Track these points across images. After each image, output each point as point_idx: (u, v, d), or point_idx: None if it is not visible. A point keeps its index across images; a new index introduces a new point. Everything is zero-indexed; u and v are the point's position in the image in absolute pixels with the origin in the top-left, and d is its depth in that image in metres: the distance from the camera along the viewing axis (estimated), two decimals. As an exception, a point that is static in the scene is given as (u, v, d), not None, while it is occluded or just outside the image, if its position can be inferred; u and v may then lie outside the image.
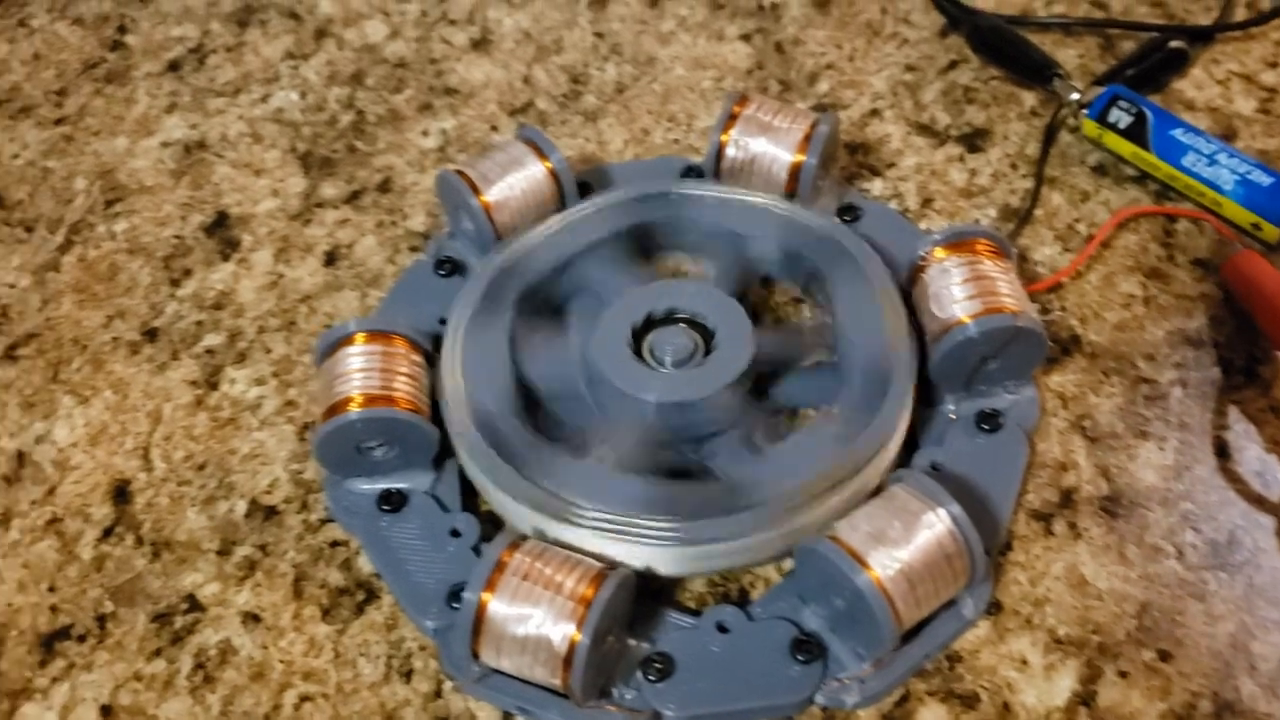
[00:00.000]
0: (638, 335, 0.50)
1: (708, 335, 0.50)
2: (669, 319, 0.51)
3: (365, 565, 0.48)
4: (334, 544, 0.49)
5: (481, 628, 0.41)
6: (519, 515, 0.46)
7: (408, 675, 0.45)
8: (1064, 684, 0.44)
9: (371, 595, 0.47)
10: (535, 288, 0.52)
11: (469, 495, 0.49)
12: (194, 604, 0.48)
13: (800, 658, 0.43)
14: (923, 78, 0.66)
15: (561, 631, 0.40)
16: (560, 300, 0.54)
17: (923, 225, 0.58)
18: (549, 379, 0.50)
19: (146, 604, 0.48)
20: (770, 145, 0.55)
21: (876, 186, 0.61)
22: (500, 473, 0.46)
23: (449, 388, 0.48)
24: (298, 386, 0.54)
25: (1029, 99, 0.64)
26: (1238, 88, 0.64)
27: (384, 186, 0.62)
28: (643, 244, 0.55)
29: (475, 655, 0.42)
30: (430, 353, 0.50)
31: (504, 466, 0.46)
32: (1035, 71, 0.63)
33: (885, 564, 0.41)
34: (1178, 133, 0.58)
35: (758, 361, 0.49)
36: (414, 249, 0.59)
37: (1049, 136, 0.61)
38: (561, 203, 0.55)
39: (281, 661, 0.46)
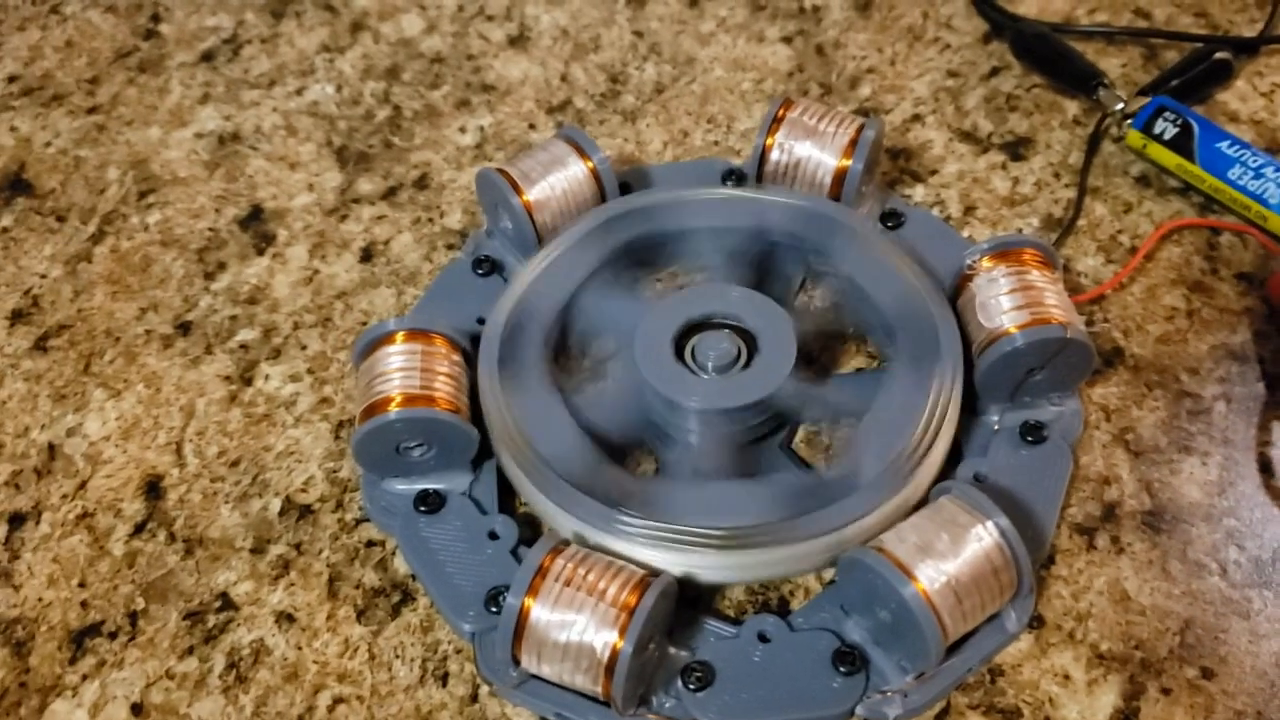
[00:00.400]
0: (679, 346, 0.49)
1: (749, 338, 0.49)
2: (709, 324, 0.50)
3: (401, 566, 0.48)
4: (370, 544, 0.48)
5: (523, 633, 0.41)
6: (560, 520, 0.45)
7: (444, 679, 0.45)
8: (1107, 700, 0.44)
9: (407, 597, 0.47)
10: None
11: (506, 497, 0.48)
12: (227, 602, 0.47)
13: (843, 669, 0.43)
14: (965, 84, 0.65)
15: (604, 639, 0.40)
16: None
17: (965, 233, 0.58)
18: (602, 415, 0.49)
19: (179, 601, 0.47)
20: (815, 149, 0.54)
21: (919, 193, 0.60)
22: (543, 477, 0.45)
23: (489, 390, 0.48)
24: (333, 384, 0.53)
25: (1072, 108, 0.63)
26: (1282, 100, 0.63)
27: (421, 183, 0.61)
28: (643, 258, 0.54)
29: (516, 660, 0.41)
30: (469, 352, 0.49)
31: (546, 471, 0.45)
32: (1079, 80, 0.63)
33: (932, 576, 0.41)
34: (1224, 145, 0.57)
35: (803, 345, 0.49)
36: (450, 247, 0.58)
37: (1092, 146, 0.61)
38: (603, 202, 0.54)
39: (315, 662, 0.45)
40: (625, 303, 0.51)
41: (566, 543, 0.43)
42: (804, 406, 0.49)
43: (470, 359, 0.49)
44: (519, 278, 0.51)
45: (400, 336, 0.48)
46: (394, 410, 0.45)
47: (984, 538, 0.42)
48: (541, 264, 0.52)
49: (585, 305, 0.51)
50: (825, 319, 0.53)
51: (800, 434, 0.51)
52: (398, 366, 0.47)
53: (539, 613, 0.40)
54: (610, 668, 0.40)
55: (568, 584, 0.41)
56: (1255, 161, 0.57)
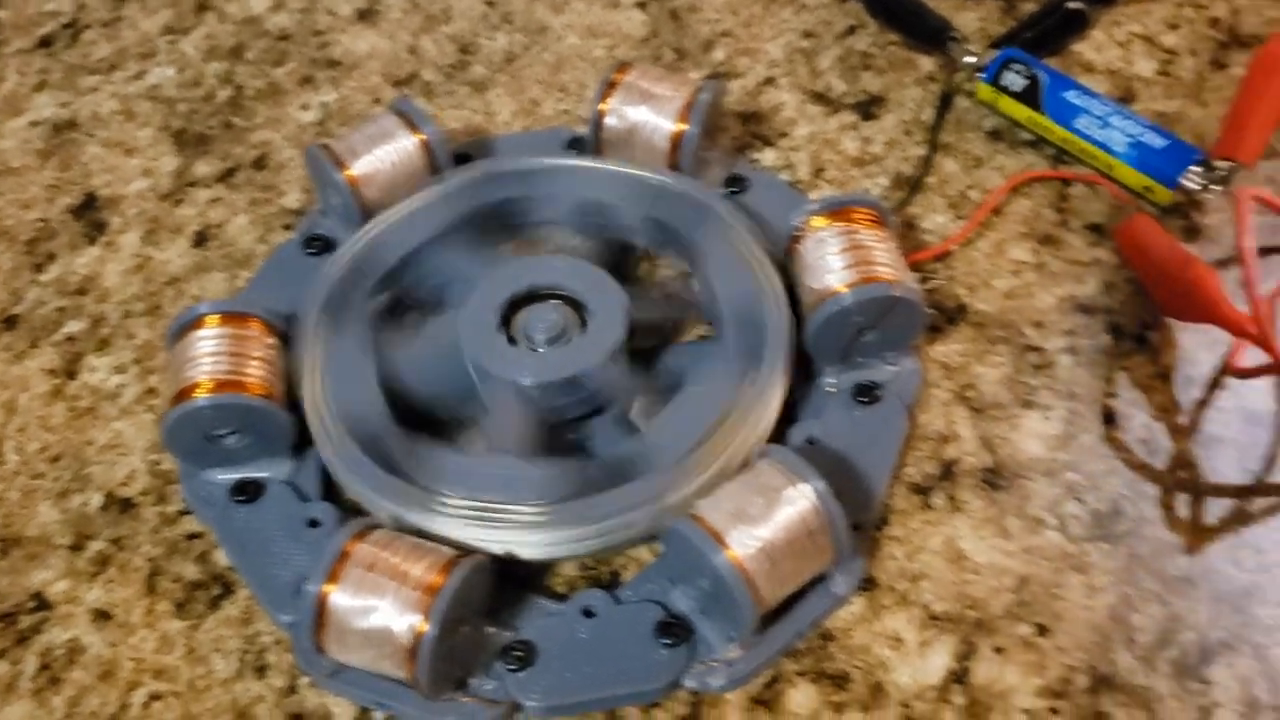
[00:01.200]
0: (506, 316, 0.48)
1: (580, 310, 0.48)
2: (538, 296, 0.49)
3: (222, 558, 0.46)
4: (191, 536, 0.47)
5: (324, 621, 0.39)
6: (375, 503, 0.44)
7: (262, 671, 0.44)
8: (938, 661, 0.43)
9: (228, 589, 0.46)
10: (387, 281, 0.50)
11: (332, 484, 0.47)
12: (41, 602, 0.46)
13: (666, 641, 0.42)
14: (820, 44, 0.64)
15: (406, 622, 0.39)
16: (424, 291, 0.52)
17: (813, 196, 0.57)
18: (413, 368, 0.48)
19: (-7, 603, 0.46)
20: (651, 114, 0.53)
21: (768, 157, 0.59)
22: (354, 459, 0.44)
23: (306, 373, 0.46)
24: (160, 374, 0.52)
25: (927, 64, 0.63)
26: (1138, 49, 0.63)
27: (259, 163, 0.60)
28: (501, 224, 0.53)
29: (321, 650, 0.40)
30: (288, 335, 0.48)
31: (356, 451, 0.44)
32: (931, 35, 0.62)
33: (745, 542, 0.40)
34: (1071, 95, 0.57)
35: (637, 331, 0.47)
36: (288, 228, 0.57)
37: (944, 102, 0.60)
38: (436, 176, 0.53)
39: (131, 659, 0.44)
40: (462, 264, 0.50)
41: (375, 527, 0.42)
42: (624, 390, 0.47)
43: (289, 340, 0.48)
44: (340, 251, 0.50)
45: (212, 320, 0.46)
46: (202, 396, 0.44)
47: (798, 500, 0.41)
48: (366, 236, 0.50)
49: (423, 264, 0.50)
50: (660, 308, 0.52)
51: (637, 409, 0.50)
52: (208, 351, 0.45)
53: (339, 599, 0.39)
54: (414, 652, 0.39)
55: (370, 568, 0.40)
56: (1101, 110, 0.56)
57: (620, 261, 0.53)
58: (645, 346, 0.49)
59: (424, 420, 0.47)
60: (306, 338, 0.47)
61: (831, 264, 0.47)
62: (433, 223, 0.51)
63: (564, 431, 0.47)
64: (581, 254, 0.51)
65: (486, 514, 0.43)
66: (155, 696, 0.43)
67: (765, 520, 0.40)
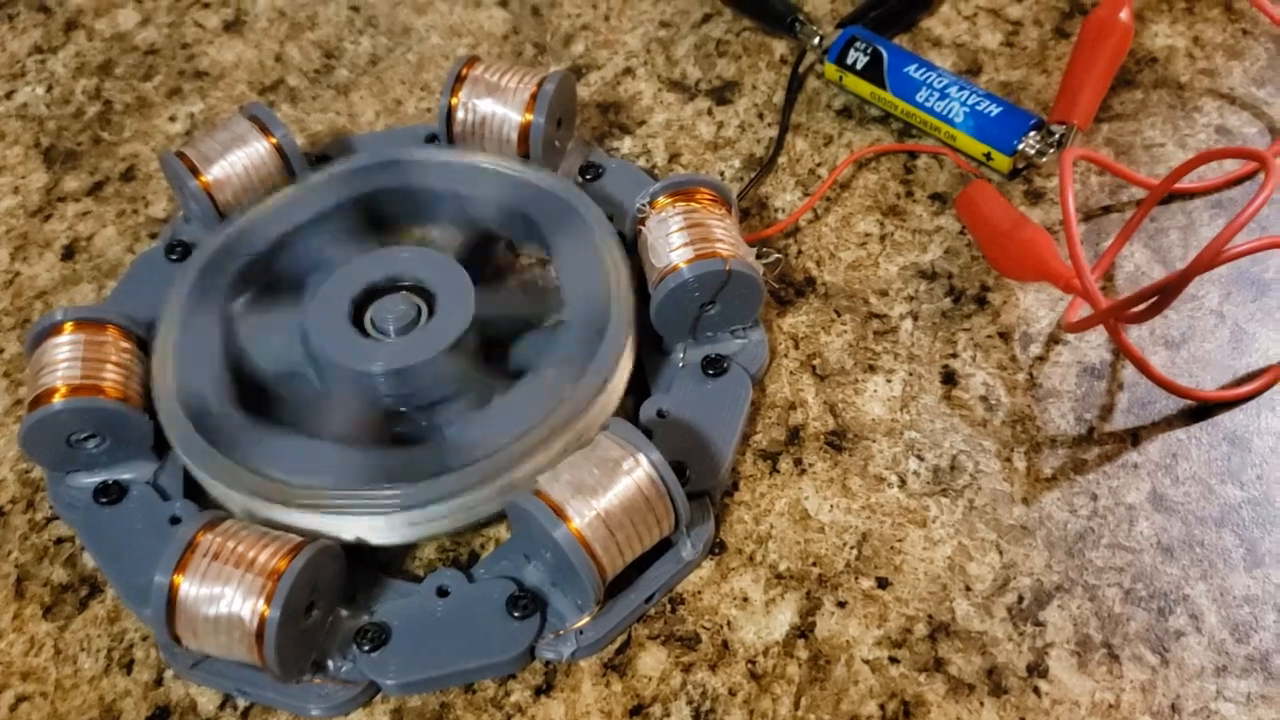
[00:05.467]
0: (360, 306, 0.49)
1: (431, 300, 0.49)
2: (392, 287, 0.50)
3: (89, 560, 0.47)
4: (59, 540, 0.48)
5: (175, 611, 0.40)
6: (226, 496, 0.45)
7: (129, 666, 0.45)
8: (783, 618, 0.45)
9: (95, 590, 0.47)
10: (254, 266, 0.51)
11: (195, 483, 0.48)
12: (-91, 613, 0.46)
13: (516, 613, 0.43)
14: (676, 33, 0.66)
15: (250, 607, 0.40)
16: (292, 278, 0.53)
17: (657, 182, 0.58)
18: (269, 359, 0.49)
19: None
20: (498, 106, 0.55)
21: (626, 145, 0.61)
22: (201, 451, 0.45)
23: (158, 371, 0.47)
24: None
25: (779, 48, 0.64)
26: (984, 22, 0.65)
27: (127, 175, 0.61)
28: (374, 215, 0.54)
29: (177, 639, 0.41)
30: (145, 340, 0.49)
31: (203, 445, 0.45)
32: (780, 19, 0.64)
33: (583, 512, 0.41)
34: (911, 69, 0.59)
35: (484, 323, 0.49)
36: (154, 236, 0.58)
37: (793, 83, 0.62)
38: (292, 178, 0.54)
39: (-1, 663, 0.45)
40: (327, 251, 0.52)
41: (224, 518, 0.43)
42: (473, 379, 0.49)
43: (147, 346, 0.49)
44: (200, 249, 0.51)
45: (68, 327, 0.47)
46: (59, 401, 0.45)
47: (635, 470, 0.42)
48: (221, 233, 0.52)
49: (287, 251, 0.52)
50: (515, 301, 0.53)
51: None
52: (64, 357, 0.46)
53: (188, 589, 0.40)
54: (260, 635, 0.40)
55: (216, 558, 0.41)
56: (941, 83, 0.58)
57: (486, 253, 0.54)
58: (502, 336, 0.51)
59: (270, 404, 0.48)
60: (162, 331, 0.48)
61: (672, 241, 0.49)
62: (297, 215, 0.53)
63: (416, 419, 0.48)
64: (446, 246, 0.53)
65: (334, 502, 0.44)
66: (23, 698, 0.44)
67: (603, 491, 0.42)
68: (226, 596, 0.40)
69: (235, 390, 0.47)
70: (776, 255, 0.53)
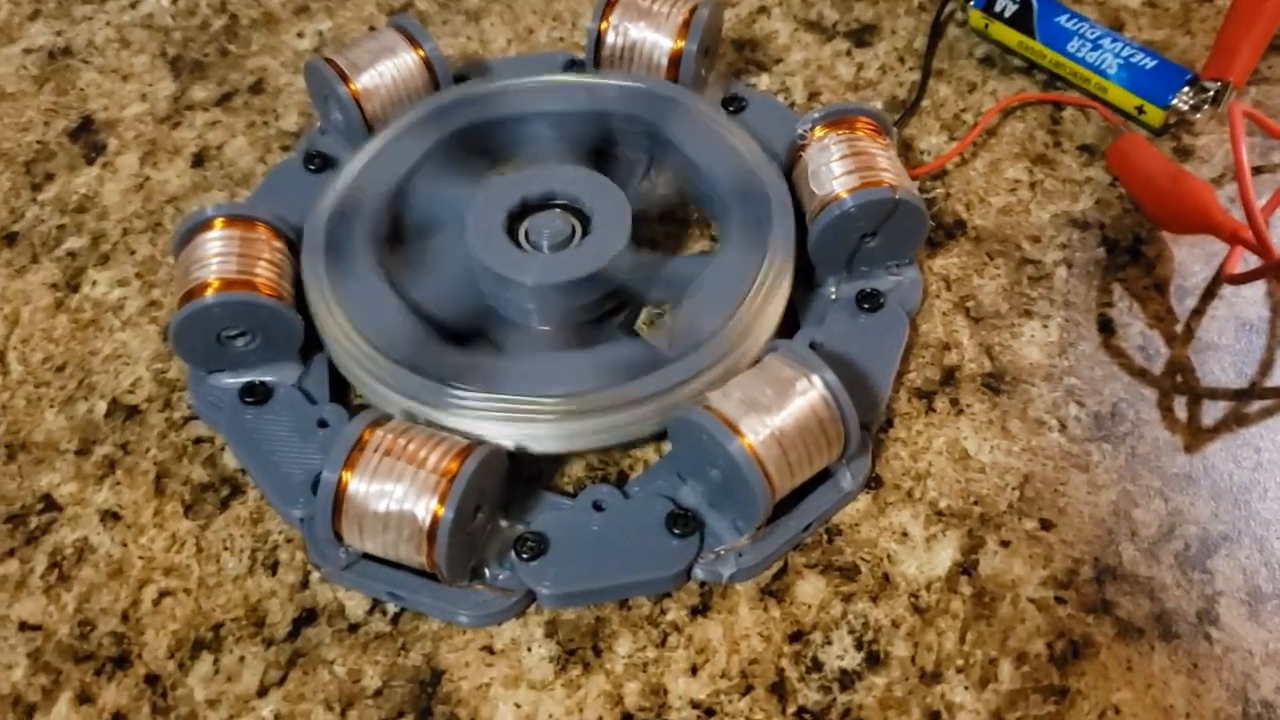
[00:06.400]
0: (513, 224, 0.48)
1: (583, 217, 0.48)
2: (541, 205, 0.49)
3: (230, 461, 0.46)
4: (198, 440, 0.47)
5: (342, 506, 0.39)
6: (390, 399, 0.44)
7: (273, 568, 0.44)
8: (945, 554, 0.44)
9: (236, 490, 0.46)
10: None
11: (340, 389, 0.47)
12: (50, 504, 0.46)
13: (676, 531, 0.42)
14: (812, -25, 0.65)
15: (424, 505, 0.39)
16: (419, 215, 0.51)
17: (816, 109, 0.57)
18: (432, 301, 0.47)
19: None
20: (649, 31, 0.54)
21: (764, 81, 0.60)
22: (367, 357, 0.44)
23: (312, 277, 0.46)
24: (162, 287, 0.52)
25: (918, -5, 0.63)
26: (1126, -19, 0.64)
27: (256, 88, 0.60)
28: (483, 146, 0.53)
29: (339, 537, 0.40)
30: (295, 242, 0.48)
31: (371, 351, 0.44)
32: (923, -36, 0.63)
33: (757, 429, 0.40)
34: (1062, 19, 0.58)
35: (643, 221, 0.48)
36: (286, 149, 0.57)
37: (936, 29, 0.61)
38: (436, 90, 0.53)
39: (141, 558, 0.44)
40: (457, 188, 0.50)
41: (389, 417, 0.42)
42: (640, 283, 0.48)
43: (296, 249, 0.48)
44: (346, 168, 0.50)
45: (219, 223, 0.46)
46: (211, 295, 0.44)
47: (809, 390, 0.41)
48: (368, 154, 0.50)
49: (417, 191, 0.50)
50: (666, 199, 0.52)
51: (645, 317, 0.50)
52: (216, 252, 0.45)
53: (357, 485, 0.39)
54: (432, 535, 0.39)
55: (387, 454, 0.40)
56: (1093, 34, 0.57)
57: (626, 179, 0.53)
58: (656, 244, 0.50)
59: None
60: (312, 257, 0.47)
61: (834, 170, 0.48)
62: (416, 150, 0.51)
63: (585, 332, 0.47)
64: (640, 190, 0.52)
65: (497, 408, 0.43)
66: (166, 593, 0.43)
67: (777, 409, 0.41)
68: (398, 494, 0.39)
69: (416, 324, 0.46)
70: (933, 194, 0.52)
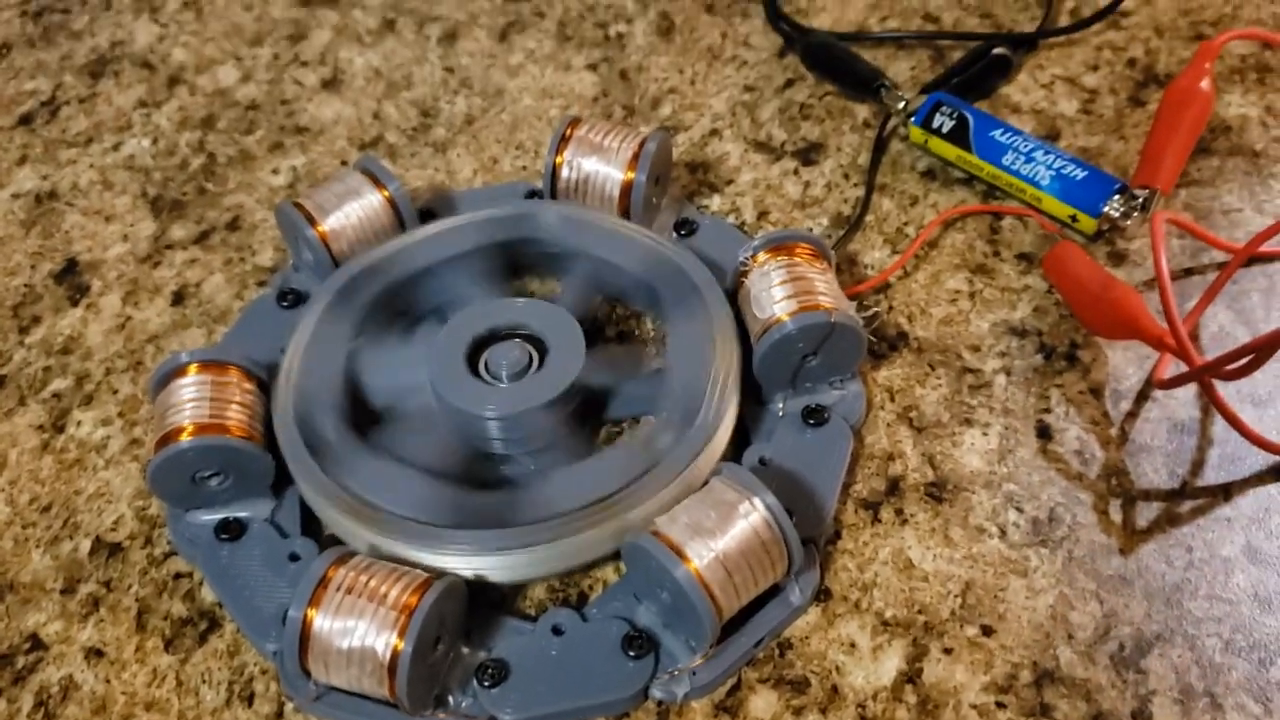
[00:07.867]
0: (478, 349, 0.51)
1: (543, 349, 0.51)
2: (507, 335, 0.52)
3: (208, 595, 0.48)
4: (177, 576, 0.49)
5: (308, 643, 0.42)
6: (350, 532, 0.46)
7: (250, 699, 0.46)
8: (891, 664, 0.45)
9: (214, 624, 0.48)
10: (387, 297, 0.54)
11: (311, 521, 0.49)
12: (36, 643, 0.48)
13: (632, 654, 0.44)
14: (760, 97, 0.68)
15: (384, 640, 0.41)
16: (416, 312, 0.55)
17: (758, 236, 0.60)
18: (389, 391, 0.51)
19: (-11, 647, 0.48)
20: (602, 164, 0.57)
21: (715, 202, 0.62)
22: (326, 488, 0.46)
23: (281, 408, 0.49)
24: (143, 425, 0.54)
25: (862, 112, 0.66)
26: (1061, 90, 0.67)
27: (233, 225, 0.63)
28: (507, 263, 0.56)
29: (306, 672, 0.42)
30: (265, 382, 0.50)
31: (328, 482, 0.46)
32: (864, 83, 0.66)
33: (702, 554, 0.42)
34: (997, 133, 0.60)
35: (584, 384, 0.50)
36: (262, 284, 0.60)
37: (879, 145, 0.64)
38: (402, 229, 0.56)
39: (124, 694, 0.46)
40: (401, 357, 0.53)
41: (353, 554, 0.44)
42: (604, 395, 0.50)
43: (267, 388, 0.50)
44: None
45: (193, 369, 0.49)
46: (186, 440, 0.47)
47: (751, 513, 0.44)
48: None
49: (368, 370, 0.53)
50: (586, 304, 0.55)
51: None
52: (190, 398, 0.48)
53: (321, 622, 0.41)
54: (393, 669, 0.41)
55: (349, 591, 0.42)
56: (1026, 147, 0.60)
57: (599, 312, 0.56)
58: (607, 388, 0.52)
59: (383, 434, 0.50)
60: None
61: (775, 294, 0.50)
62: (437, 253, 0.55)
63: (523, 460, 0.50)
64: (568, 302, 0.54)
65: (453, 540, 0.45)
66: (147, 728, 0.45)
67: (720, 533, 0.43)
68: (360, 630, 0.41)
69: (353, 424, 0.49)
70: (874, 309, 0.54)
